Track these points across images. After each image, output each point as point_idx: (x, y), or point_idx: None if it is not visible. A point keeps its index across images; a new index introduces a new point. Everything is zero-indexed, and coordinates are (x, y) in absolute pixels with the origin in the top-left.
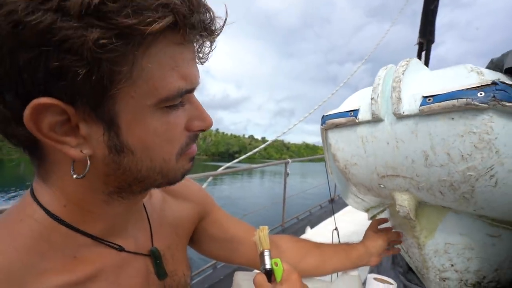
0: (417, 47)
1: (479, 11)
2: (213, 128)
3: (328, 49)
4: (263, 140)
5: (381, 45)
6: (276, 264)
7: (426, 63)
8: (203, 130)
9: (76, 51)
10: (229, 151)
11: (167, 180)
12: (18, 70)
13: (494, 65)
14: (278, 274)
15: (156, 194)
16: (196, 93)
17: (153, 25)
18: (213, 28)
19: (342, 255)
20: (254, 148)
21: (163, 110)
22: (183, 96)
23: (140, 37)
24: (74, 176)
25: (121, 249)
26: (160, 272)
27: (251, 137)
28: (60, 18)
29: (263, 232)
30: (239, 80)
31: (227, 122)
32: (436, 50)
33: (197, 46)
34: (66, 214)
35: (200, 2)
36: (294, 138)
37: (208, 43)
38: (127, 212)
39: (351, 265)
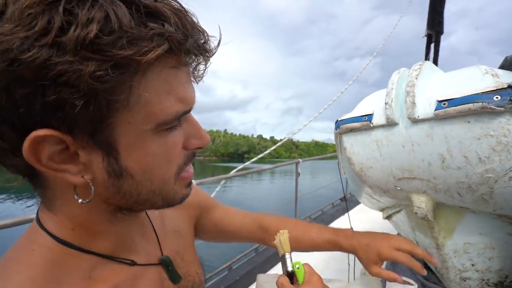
0: (425, 39)
1: None
2: (222, 128)
3: (335, 45)
4: (272, 139)
5: (389, 38)
6: (298, 267)
7: (436, 55)
8: (200, 148)
9: (73, 84)
10: (238, 151)
11: (167, 202)
12: (14, 104)
13: (509, 63)
14: (300, 276)
15: None
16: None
17: (149, 54)
18: (208, 48)
19: (318, 224)
20: (263, 147)
21: (161, 133)
22: (180, 118)
23: (136, 66)
24: (80, 200)
25: (133, 263)
26: (174, 277)
27: (260, 136)
28: (56, 53)
29: (284, 236)
30: (246, 80)
31: (236, 122)
32: (446, 40)
33: (192, 67)
34: (75, 237)
35: (194, 25)
36: (303, 136)
37: (202, 63)
38: (131, 226)
39: (325, 234)
